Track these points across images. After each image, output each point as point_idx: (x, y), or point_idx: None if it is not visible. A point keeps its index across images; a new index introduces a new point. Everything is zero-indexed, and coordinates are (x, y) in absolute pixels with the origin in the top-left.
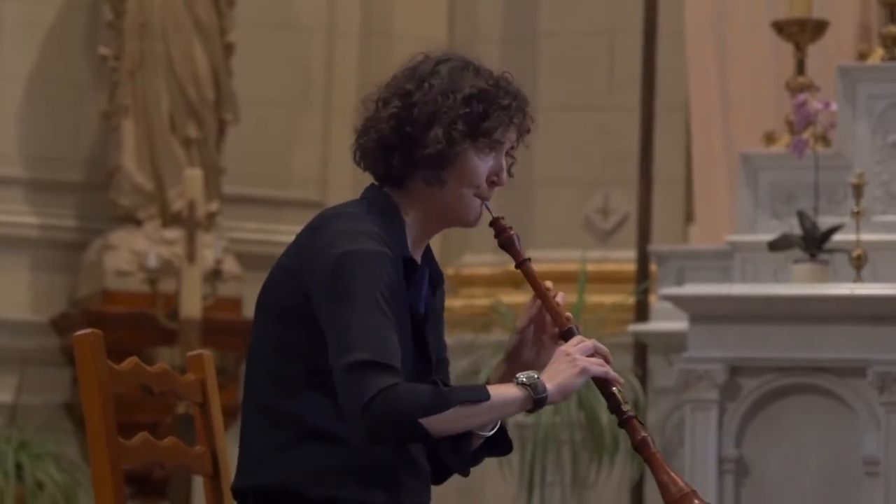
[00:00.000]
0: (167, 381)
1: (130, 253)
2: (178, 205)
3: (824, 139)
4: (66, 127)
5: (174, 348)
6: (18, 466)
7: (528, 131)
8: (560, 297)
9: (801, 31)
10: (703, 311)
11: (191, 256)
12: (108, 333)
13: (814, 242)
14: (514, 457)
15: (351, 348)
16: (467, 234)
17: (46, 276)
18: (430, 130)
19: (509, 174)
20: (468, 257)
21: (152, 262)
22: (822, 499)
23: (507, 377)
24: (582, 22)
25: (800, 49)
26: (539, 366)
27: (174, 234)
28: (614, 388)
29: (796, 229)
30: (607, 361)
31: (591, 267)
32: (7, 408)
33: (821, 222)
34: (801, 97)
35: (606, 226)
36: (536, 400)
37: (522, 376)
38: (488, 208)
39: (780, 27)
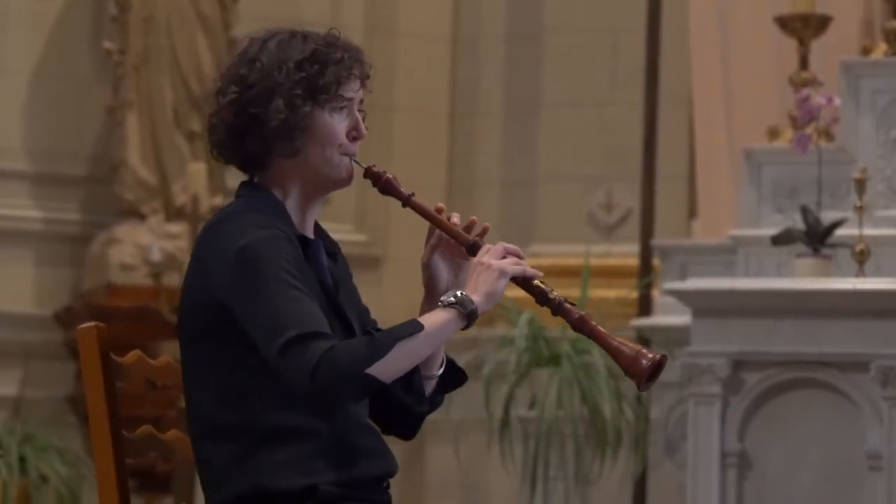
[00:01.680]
0: (171, 374)
1: (134, 247)
2: (181, 199)
3: (827, 134)
4: (71, 121)
5: (178, 342)
6: (22, 460)
7: (368, 77)
8: (455, 217)
9: (804, 27)
10: (707, 306)
11: None
12: (111, 327)
13: (817, 237)
14: (517, 451)
15: (278, 332)
16: None
17: (50, 270)
18: (272, 104)
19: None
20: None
21: (156, 255)
22: (825, 493)
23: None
24: (585, 18)
25: (803, 44)
26: (459, 287)
27: (178, 227)
28: (536, 281)
29: (799, 224)
30: (520, 258)
31: (594, 261)
32: (11, 401)
33: (824, 217)
34: (805, 92)
35: (610, 220)
36: (467, 314)
37: (448, 296)
38: (358, 162)
39: (784, 22)
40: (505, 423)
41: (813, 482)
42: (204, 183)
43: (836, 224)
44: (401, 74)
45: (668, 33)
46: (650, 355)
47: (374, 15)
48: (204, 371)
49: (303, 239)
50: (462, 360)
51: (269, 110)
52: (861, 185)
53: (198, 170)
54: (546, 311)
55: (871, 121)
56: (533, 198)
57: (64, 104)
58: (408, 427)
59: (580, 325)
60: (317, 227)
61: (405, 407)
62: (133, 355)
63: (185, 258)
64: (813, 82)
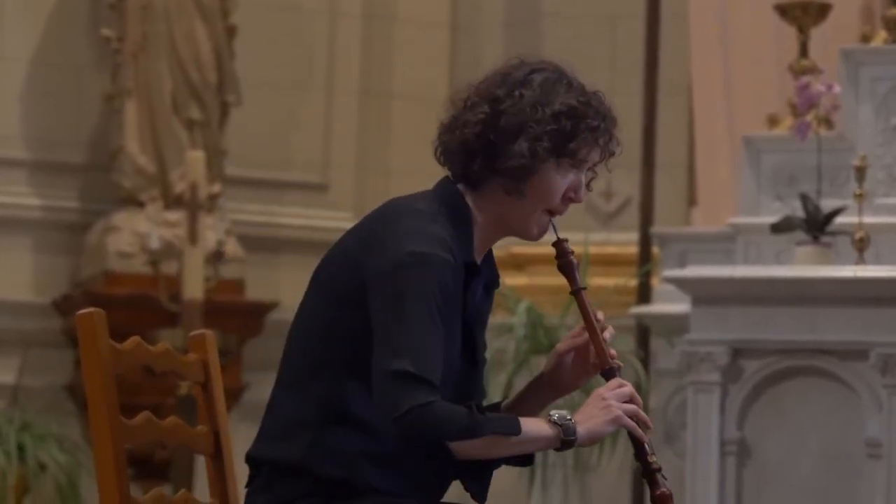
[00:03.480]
0: (169, 360)
1: (133, 235)
2: (180, 187)
3: (827, 122)
4: (69, 109)
5: (176, 330)
6: (21, 448)
7: (613, 154)
8: (608, 334)
9: (804, 14)
10: (706, 294)
11: (193, 238)
12: (110, 315)
13: (816, 225)
14: None
15: (395, 354)
16: None
17: (49, 258)
18: (515, 142)
19: (588, 188)
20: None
21: (154, 243)
22: (824, 481)
23: (538, 395)
24: (584, 4)
25: (803, 32)
26: (574, 388)
27: (176, 215)
28: (643, 440)
29: (799, 212)
30: (641, 409)
31: (593, 249)
32: (9, 389)
33: (823, 205)
34: (804, 80)
35: (609, 208)
36: (565, 441)
37: (556, 415)
38: (555, 227)
39: (783, 10)
40: None
41: (812, 470)
42: (202, 171)
43: (836, 212)
44: (399, 61)
45: (667, 21)
46: None
47: (373, 2)
48: (317, 326)
49: (473, 266)
50: None
51: (511, 148)
52: (861, 172)
53: (196, 158)
54: (544, 299)
55: (870, 108)
56: None
57: (62, 92)
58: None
59: (659, 502)
60: (489, 255)
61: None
62: (132, 342)
63: (183, 246)
64: (813, 70)
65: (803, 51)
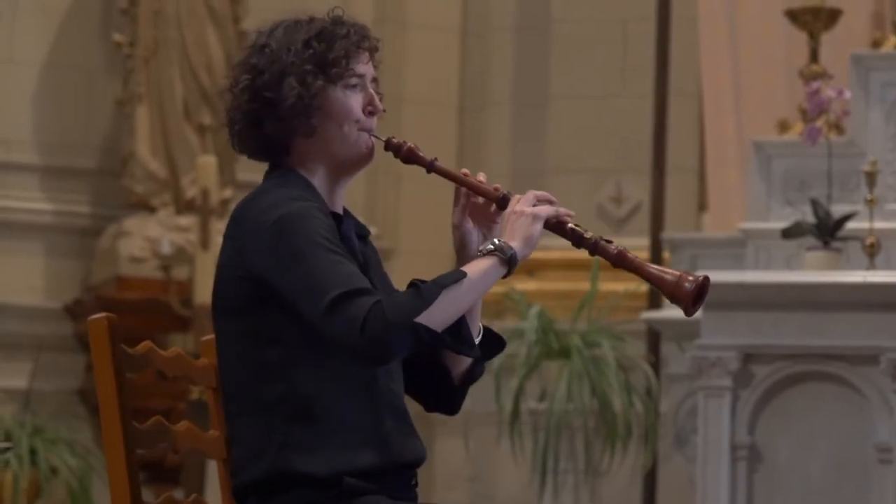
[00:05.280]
0: (181, 365)
1: (144, 239)
2: (191, 192)
3: (837, 127)
4: (80, 113)
5: (188, 335)
6: (33, 452)
7: (377, 49)
8: (482, 176)
9: (814, 20)
10: (716, 299)
11: (204, 243)
12: (121, 319)
13: (827, 230)
14: (527, 444)
15: (322, 293)
16: None
17: (60, 263)
18: (284, 84)
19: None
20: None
21: (166, 248)
22: (835, 486)
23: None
24: (595, 9)
25: (813, 37)
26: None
27: (188, 220)
28: (570, 224)
29: (809, 217)
30: (552, 203)
31: None
32: (21, 393)
33: (834, 210)
34: (815, 85)
35: (619, 213)
36: (507, 260)
37: (486, 245)
38: (377, 136)
39: (794, 15)
40: (515, 415)
41: (823, 475)
42: (214, 176)
43: (847, 217)
44: (410, 66)
45: (677, 25)
46: (691, 278)
47: (384, 7)
48: (241, 348)
49: (335, 216)
50: None
51: (283, 90)
52: (871, 178)
53: (208, 162)
54: (555, 304)
55: (880, 114)
56: (542, 190)
57: (74, 96)
58: (449, 402)
59: (620, 261)
60: (346, 211)
61: (447, 380)
62: (144, 346)
63: (195, 251)
64: (823, 75)
65: (813, 56)
